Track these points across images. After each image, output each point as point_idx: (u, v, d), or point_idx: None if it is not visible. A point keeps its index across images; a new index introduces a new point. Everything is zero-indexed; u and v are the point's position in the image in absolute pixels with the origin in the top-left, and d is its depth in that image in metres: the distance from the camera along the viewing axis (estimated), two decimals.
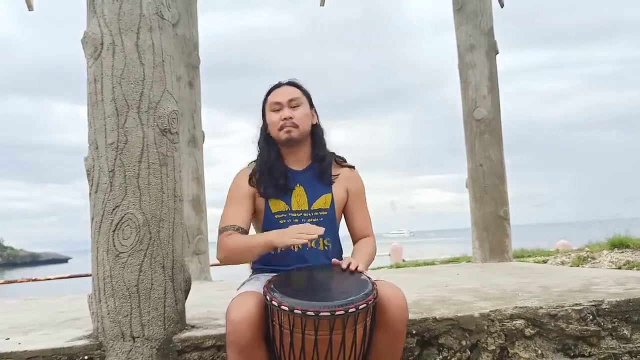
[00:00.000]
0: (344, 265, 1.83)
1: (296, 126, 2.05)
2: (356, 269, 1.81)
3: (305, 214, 2.05)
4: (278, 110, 2.08)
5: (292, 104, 2.07)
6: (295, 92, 2.10)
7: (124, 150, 2.09)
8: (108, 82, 2.11)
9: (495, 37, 5.41)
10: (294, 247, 1.98)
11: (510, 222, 5.30)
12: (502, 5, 5.83)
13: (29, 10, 5.76)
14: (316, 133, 2.15)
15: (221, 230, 2.00)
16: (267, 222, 2.05)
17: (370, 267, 2.09)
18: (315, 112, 2.17)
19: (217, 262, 2.11)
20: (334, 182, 2.11)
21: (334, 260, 1.90)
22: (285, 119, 2.05)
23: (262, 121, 2.16)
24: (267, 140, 2.13)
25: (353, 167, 2.20)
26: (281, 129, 2.06)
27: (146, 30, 2.16)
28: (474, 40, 5.34)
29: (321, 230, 1.80)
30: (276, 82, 2.16)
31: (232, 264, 2.08)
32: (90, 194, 2.16)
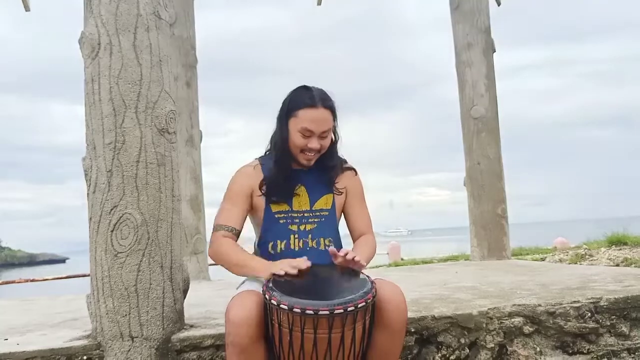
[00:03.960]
0: (342, 254, 1.82)
1: (318, 152, 2.02)
2: (353, 259, 1.80)
3: (306, 214, 2.04)
4: (306, 137, 1.97)
5: (323, 135, 1.99)
6: (329, 121, 1.99)
7: (122, 150, 2.09)
8: (105, 82, 2.11)
9: (492, 36, 5.41)
10: (294, 247, 2.00)
11: (509, 220, 5.31)
12: (499, 4, 5.84)
13: (26, 10, 5.75)
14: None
15: (216, 227, 2.01)
16: (267, 221, 2.04)
17: (368, 265, 2.08)
18: (336, 124, 2.08)
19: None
20: (337, 190, 2.10)
21: (331, 248, 1.87)
22: (312, 148, 1.99)
23: (282, 123, 2.03)
24: (284, 148, 2.03)
25: (355, 171, 2.18)
26: (302, 152, 2.00)
27: (143, 30, 2.16)
28: (471, 38, 5.34)
29: (308, 263, 1.78)
30: (309, 93, 1.98)
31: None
32: (88, 194, 2.16)
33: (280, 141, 2.03)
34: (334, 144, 2.10)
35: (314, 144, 1.98)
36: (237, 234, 2.02)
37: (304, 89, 2.02)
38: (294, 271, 1.75)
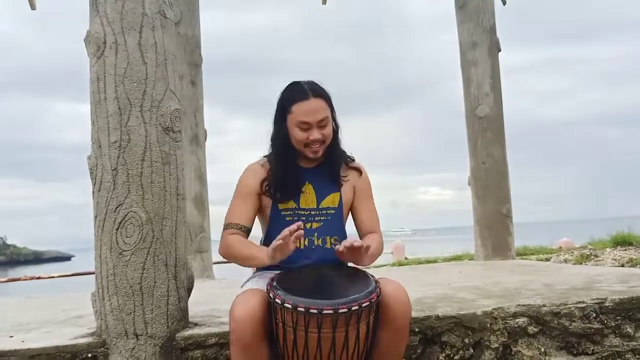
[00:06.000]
0: (347, 244, 1.79)
1: (323, 143, 2.02)
2: (360, 246, 1.78)
3: (313, 212, 2.03)
4: (305, 130, 1.98)
5: (322, 124, 1.99)
6: (324, 110, 1.99)
7: (127, 149, 2.10)
8: (111, 81, 2.11)
9: (498, 35, 5.40)
10: (299, 245, 1.94)
11: (513, 219, 5.30)
12: (504, 3, 5.82)
13: (32, 9, 5.76)
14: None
15: (226, 226, 2.01)
16: (274, 218, 2.04)
17: (373, 264, 2.08)
18: (334, 112, 2.07)
19: (220, 260, 2.12)
20: (342, 184, 2.09)
21: (337, 247, 1.85)
22: (315, 140, 1.98)
23: (279, 123, 2.04)
24: (286, 146, 2.04)
25: (360, 170, 2.16)
26: (306, 146, 2.00)
27: (149, 29, 2.16)
28: (476, 37, 5.33)
29: (299, 223, 1.78)
30: (299, 87, 2.00)
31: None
32: (93, 192, 2.16)
33: (281, 140, 2.04)
34: (335, 133, 2.08)
35: (315, 134, 1.98)
36: (246, 231, 2.01)
37: (294, 84, 2.04)
38: (295, 241, 1.76)
